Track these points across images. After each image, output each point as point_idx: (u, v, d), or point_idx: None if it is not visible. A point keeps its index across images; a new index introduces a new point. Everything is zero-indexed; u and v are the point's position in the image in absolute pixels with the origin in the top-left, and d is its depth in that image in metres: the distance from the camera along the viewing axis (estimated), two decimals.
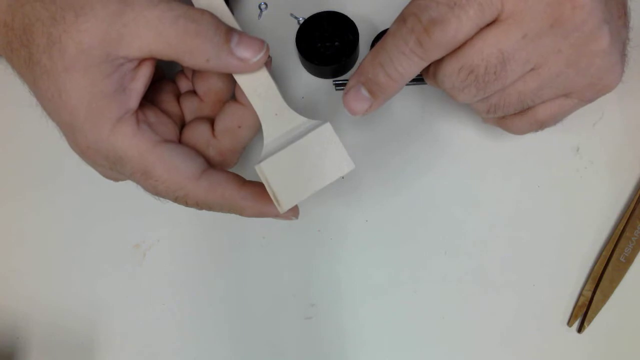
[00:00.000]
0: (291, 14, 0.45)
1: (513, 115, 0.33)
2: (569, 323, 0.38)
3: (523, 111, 0.32)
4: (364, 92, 0.30)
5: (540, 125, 0.33)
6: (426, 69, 0.31)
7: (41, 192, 0.42)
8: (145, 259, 0.41)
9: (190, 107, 0.34)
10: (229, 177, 0.32)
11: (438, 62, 0.30)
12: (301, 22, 0.44)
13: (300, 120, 0.32)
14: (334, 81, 0.43)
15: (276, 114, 0.31)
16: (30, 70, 0.28)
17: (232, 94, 0.34)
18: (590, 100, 0.32)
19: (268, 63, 0.31)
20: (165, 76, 0.36)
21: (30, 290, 0.41)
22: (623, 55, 0.30)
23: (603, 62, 0.29)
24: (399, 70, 0.29)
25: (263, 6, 0.45)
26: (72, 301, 0.41)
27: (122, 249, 0.41)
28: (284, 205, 0.30)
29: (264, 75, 0.31)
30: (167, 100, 0.34)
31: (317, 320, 0.39)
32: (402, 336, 0.39)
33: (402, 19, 0.28)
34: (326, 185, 0.30)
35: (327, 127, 0.30)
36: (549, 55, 0.28)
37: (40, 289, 0.41)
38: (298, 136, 0.30)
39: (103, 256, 0.41)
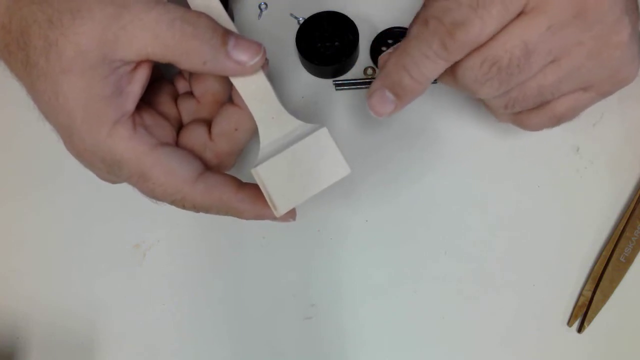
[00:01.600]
0: (291, 14, 0.45)
1: (530, 110, 0.33)
2: (569, 323, 0.38)
3: (541, 105, 0.32)
4: (389, 94, 0.30)
5: (558, 120, 0.33)
6: None
7: (41, 193, 0.42)
8: (145, 259, 0.41)
9: (187, 109, 0.34)
10: (226, 180, 0.32)
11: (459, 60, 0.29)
12: (301, 22, 0.44)
13: (296, 123, 0.31)
14: (334, 81, 0.43)
15: (273, 118, 0.31)
16: (28, 73, 0.28)
17: (230, 96, 0.34)
18: (608, 94, 0.32)
19: (265, 66, 0.31)
20: (163, 76, 0.36)
21: (30, 290, 0.41)
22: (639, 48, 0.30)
23: (623, 55, 0.29)
24: (424, 73, 0.29)
25: (263, 6, 0.45)
26: (72, 301, 0.41)
27: (122, 249, 0.41)
28: (280, 209, 0.30)
29: (260, 78, 0.31)
30: (165, 102, 0.34)
31: (317, 320, 0.39)
32: (402, 336, 0.39)
33: (423, 21, 0.28)
34: (322, 189, 0.30)
35: (324, 131, 0.30)
36: (571, 47, 0.28)
37: (40, 289, 0.41)
38: (294, 140, 0.30)
39: (103, 256, 0.41)
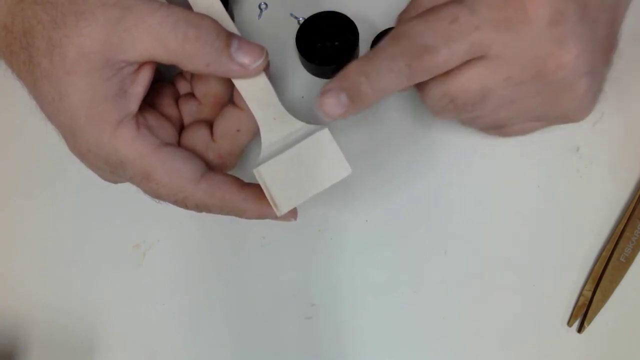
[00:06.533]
0: (291, 14, 0.45)
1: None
2: (569, 323, 0.38)
3: (496, 127, 0.35)
4: (343, 97, 0.29)
5: (513, 136, 0.36)
6: None
7: (42, 192, 0.42)
8: (145, 259, 0.41)
9: (189, 110, 0.34)
10: (228, 179, 0.32)
11: (423, 83, 0.30)
12: (301, 22, 0.44)
13: (298, 124, 0.32)
14: None
15: (274, 119, 0.32)
16: (30, 73, 0.28)
17: (231, 97, 0.34)
18: (561, 124, 0.35)
19: (266, 68, 0.31)
20: (164, 77, 0.36)
21: (30, 290, 0.41)
22: (599, 91, 0.32)
23: (577, 105, 0.31)
24: (382, 85, 0.29)
25: (263, 6, 0.45)
26: (72, 301, 0.41)
27: (122, 249, 0.41)
28: (282, 209, 0.31)
29: (262, 80, 0.31)
30: (166, 103, 0.34)
31: (317, 320, 0.39)
32: (402, 336, 0.39)
33: (396, 37, 0.29)
34: (323, 189, 0.31)
35: (325, 132, 0.31)
36: (527, 95, 0.30)
37: (40, 289, 0.41)
38: (296, 141, 0.31)
39: (103, 256, 0.41)
